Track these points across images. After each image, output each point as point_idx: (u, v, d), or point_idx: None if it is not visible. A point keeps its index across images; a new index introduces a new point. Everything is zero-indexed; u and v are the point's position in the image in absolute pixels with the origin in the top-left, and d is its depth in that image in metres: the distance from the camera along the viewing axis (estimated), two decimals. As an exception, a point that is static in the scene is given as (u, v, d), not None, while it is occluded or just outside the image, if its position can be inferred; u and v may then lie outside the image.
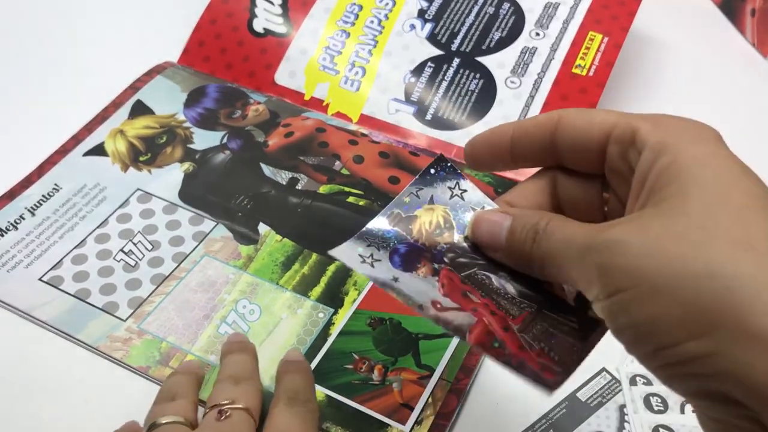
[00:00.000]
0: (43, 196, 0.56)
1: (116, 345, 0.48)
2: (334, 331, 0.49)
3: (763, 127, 0.65)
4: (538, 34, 0.64)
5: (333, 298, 0.51)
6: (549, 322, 0.32)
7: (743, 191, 0.26)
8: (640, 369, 0.48)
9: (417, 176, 0.36)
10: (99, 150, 0.60)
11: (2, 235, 0.54)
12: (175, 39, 0.68)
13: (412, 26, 0.65)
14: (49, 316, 0.49)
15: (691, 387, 0.25)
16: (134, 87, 0.65)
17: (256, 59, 0.66)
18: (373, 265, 0.33)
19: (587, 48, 0.63)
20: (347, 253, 0.34)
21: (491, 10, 0.65)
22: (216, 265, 0.53)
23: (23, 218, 0.55)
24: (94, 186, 0.57)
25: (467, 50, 0.64)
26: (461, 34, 0.64)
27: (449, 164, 0.36)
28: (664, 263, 0.24)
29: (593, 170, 0.32)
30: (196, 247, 0.54)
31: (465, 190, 0.35)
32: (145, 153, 0.60)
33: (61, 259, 0.52)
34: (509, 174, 0.59)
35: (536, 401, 0.46)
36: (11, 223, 0.54)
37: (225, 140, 0.61)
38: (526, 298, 0.32)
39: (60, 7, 0.74)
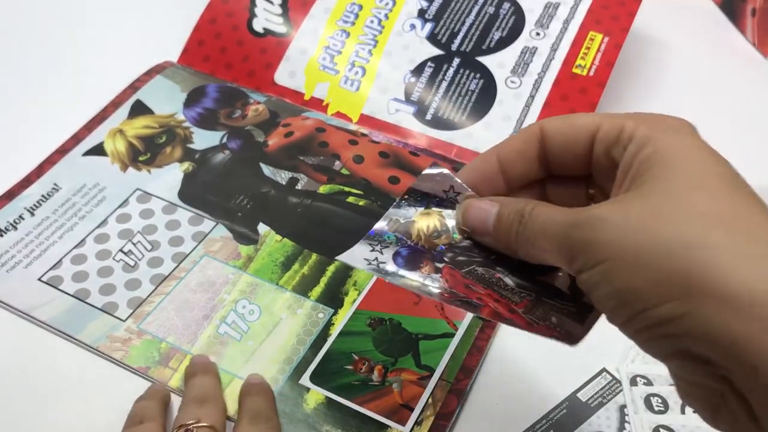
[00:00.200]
0: (43, 195, 0.56)
1: (116, 345, 0.48)
2: (334, 332, 0.49)
3: (763, 126, 0.65)
4: (538, 34, 0.64)
5: (333, 298, 0.51)
6: (549, 307, 0.33)
7: (716, 175, 0.28)
8: (641, 369, 0.48)
9: (414, 183, 0.37)
10: (98, 150, 0.60)
11: (1, 235, 0.54)
12: (174, 39, 0.68)
13: (412, 26, 0.65)
14: (48, 316, 0.49)
15: (666, 348, 0.27)
16: (134, 87, 0.65)
17: (256, 59, 0.66)
18: (378, 267, 0.35)
19: (587, 48, 0.63)
20: (354, 257, 0.36)
21: (491, 9, 0.65)
22: (216, 265, 0.52)
23: (22, 218, 0.55)
24: (93, 186, 0.57)
25: (467, 50, 0.64)
26: (461, 34, 0.64)
27: (443, 170, 0.37)
28: (643, 236, 0.27)
29: (580, 172, 0.33)
30: (196, 247, 0.53)
31: (459, 193, 0.36)
32: (145, 153, 0.60)
33: (61, 259, 0.52)
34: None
35: (537, 401, 0.46)
36: (10, 223, 0.54)
37: (225, 140, 0.61)
38: (525, 289, 0.34)
39: (60, 7, 0.74)
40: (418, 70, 0.63)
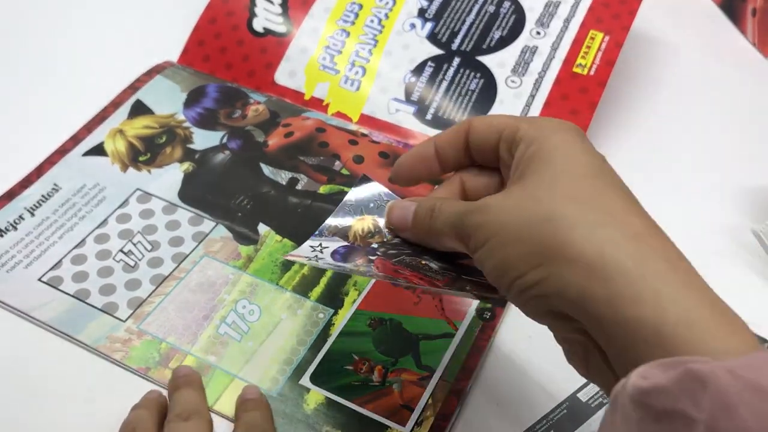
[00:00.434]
0: (43, 196, 0.56)
1: (116, 346, 0.48)
2: (334, 332, 0.49)
3: (763, 126, 0.65)
4: (538, 33, 0.64)
5: (333, 298, 0.51)
6: (466, 282, 0.38)
7: (582, 166, 0.33)
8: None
9: (347, 195, 0.43)
10: (98, 150, 0.60)
11: (1, 236, 0.53)
12: (174, 38, 0.68)
13: (413, 25, 0.65)
14: (48, 316, 0.49)
15: (537, 309, 0.32)
16: (134, 87, 0.65)
17: (256, 59, 0.66)
18: (317, 261, 0.40)
19: (588, 47, 0.63)
20: (299, 255, 0.41)
21: (492, 9, 0.65)
22: (216, 266, 0.52)
23: (22, 218, 0.55)
24: (93, 186, 0.57)
25: (467, 49, 0.64)
26: (461, 34, 0.64)
27: (374, 184, 0.43)
28: (515, 215, 0.32)
29: (495, 165, 0.38)
30: (196, 247, 0.53)
31: (387, 201, 0.42)
32: (145, 153, 0.60)
33: (61, 260, 0.52)
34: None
35: (536, 402, 0.46)
36: (10, 224, 0.54)
37: (225, 140, 0.61)
38: (447, 270, 0.39)
39: (59, 8, 0.74)
40: (418, 70, 0.63)
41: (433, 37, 0.64)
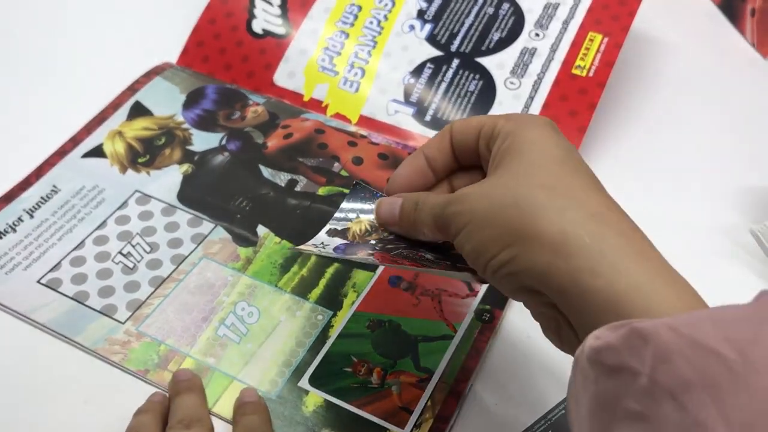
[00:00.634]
0: (42, 198, 0.56)
1: (115, 348, 0.48)
2: (333, 334, 0.49)
3: (763, 126, 0.65)
4: (537, 35, 0.64)
5: (332, 300, 0.51)
6: (461, 268, 0.39)
7: (553, 157, 0.35)
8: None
9: (342, 203, 0.45)
10: (98, 152, 0.60)
11: (1, 238, 0.53)
12: (174, 40, 0.68)
13: (412, 27, 0.65)
14: (47, 318, 0.49)
15: (511, 285, 0.34)
16: (133, 88, 0.65)
17: (256, 60, 0.66)
18: (324, 248, 0.43)
19: (587, 48, 0.63)
20: (306, 247, 0.43)
21: (491, 10, 0.65)
22: (214, 267, 0.52)
23: (22, 220, 0.55)
24: (92, 188, 0.57)
25: (466, 51, 0.64)
26: (461, 35, 0.64)
27: (367, 189, 0.44)
28: (488, 202, 0.35)
29: (477, 163, 0.40)
30: (195, 249, 0.53)
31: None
32: (144, 154, 0.60)
33: (60, 261, 0.52)
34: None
35: (535, 402, 0.46)
36: (10, 225, 0.54)
37: (224, 142, 0.61)
38: (443, 260, 0.41)
39: (59, 9, 0.74)
40: (417, 71, 0.63)
41: (432, 39, 0.64)
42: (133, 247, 0.53)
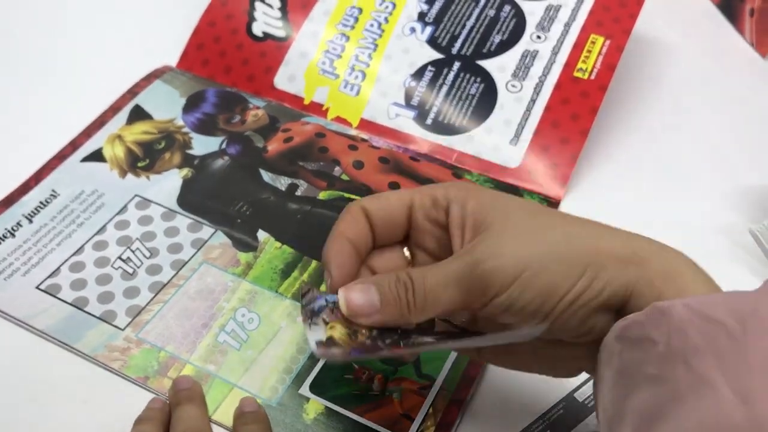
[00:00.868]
0: (41, 202, 0.56)
1: (114, 355, 0.48)
2: (334, 340, 0.49)
3: (761, 126, 0.65)
4: (539, 38, 0.63)
5: (333, 306, 0.50)
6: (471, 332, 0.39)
7: (521, 205, 0.38)
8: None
9: (300, 315, 0.41)
10: (97, 156, 0.59)
11: (-1, 243, 0.53)
12: (173, 42, 0.67)
13: (412, 29, 0.65)
14: (46, 324, 0.49)
15: (585, 312, 0.34)
16: (132, 92, 0.64)
17: (256, 63, 0.65)
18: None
19: (589, 51, 0.62)
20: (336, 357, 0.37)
21: (492, 13, 0.65)
22: (215, 273, 0.52)
23: (20, 225, 0.54)
24: (92, 192, 0.57)
25: (468, 54, 0.63)
26: (462, 38, 0.64)
27: (311, 291, 0.38)
28: (539, 246, 0.35)
29: (396, 240, 0.40)
30: (195, 254, 0.53)
31: (335, 302, 0.37)
32: (144, 159, 0.59)
33: (59, 267, 0.52)
34: (509, 179, 0.58)
35: (533, 402, 0.46)
36: (8, 231, 0.54)
37: (224, 146, 0.61)
38: (446, 333, 0.39)
39: (58, 12, 0.74)
40: (418, 74, 0.63)
41: (433, 42, 0.64)
42: (133, 252, 0.53)
